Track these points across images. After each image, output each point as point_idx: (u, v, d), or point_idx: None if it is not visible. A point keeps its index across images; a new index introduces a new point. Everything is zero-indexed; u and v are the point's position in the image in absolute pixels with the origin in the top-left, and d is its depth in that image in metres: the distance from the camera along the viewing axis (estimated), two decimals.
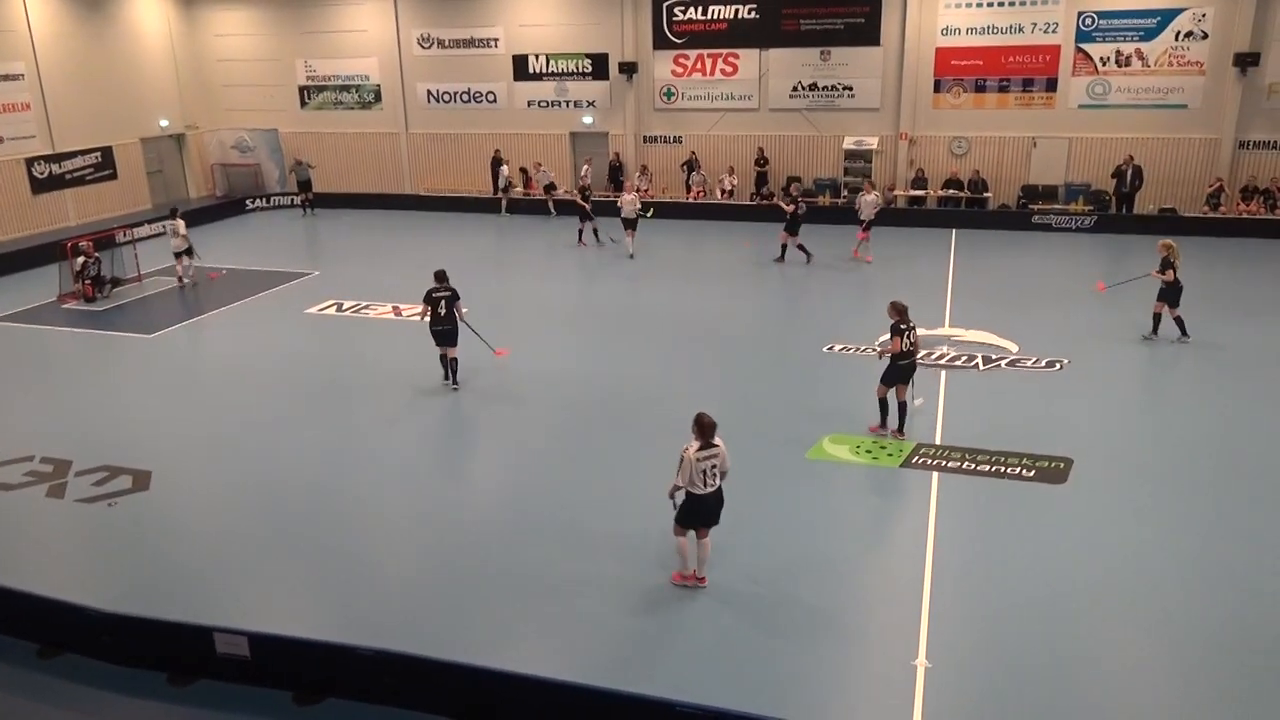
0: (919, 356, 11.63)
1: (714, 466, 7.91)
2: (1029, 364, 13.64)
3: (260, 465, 11.03)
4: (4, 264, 21.10)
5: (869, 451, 10.88)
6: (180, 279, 19.34)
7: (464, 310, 13.06)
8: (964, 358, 13.89)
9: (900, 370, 10.93)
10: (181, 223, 19.33)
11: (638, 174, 26.62)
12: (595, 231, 22.29)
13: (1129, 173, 22.70)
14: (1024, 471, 10.27)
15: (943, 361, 13.76)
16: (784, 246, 19.89)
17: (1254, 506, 9.52)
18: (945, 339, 14.75)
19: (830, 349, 14.47)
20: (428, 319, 12.92)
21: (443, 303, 12.79)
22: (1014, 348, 14.27)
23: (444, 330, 12.91)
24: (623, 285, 19.11)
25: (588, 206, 22.09)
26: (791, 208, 19.66)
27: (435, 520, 9.70)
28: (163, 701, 7.29)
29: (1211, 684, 6.99)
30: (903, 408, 11.11)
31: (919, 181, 24.77)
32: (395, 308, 17.35)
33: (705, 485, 7.92)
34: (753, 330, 16.18)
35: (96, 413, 12.78)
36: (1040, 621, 7.68)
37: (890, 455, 10.75)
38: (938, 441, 11.08)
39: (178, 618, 7.64)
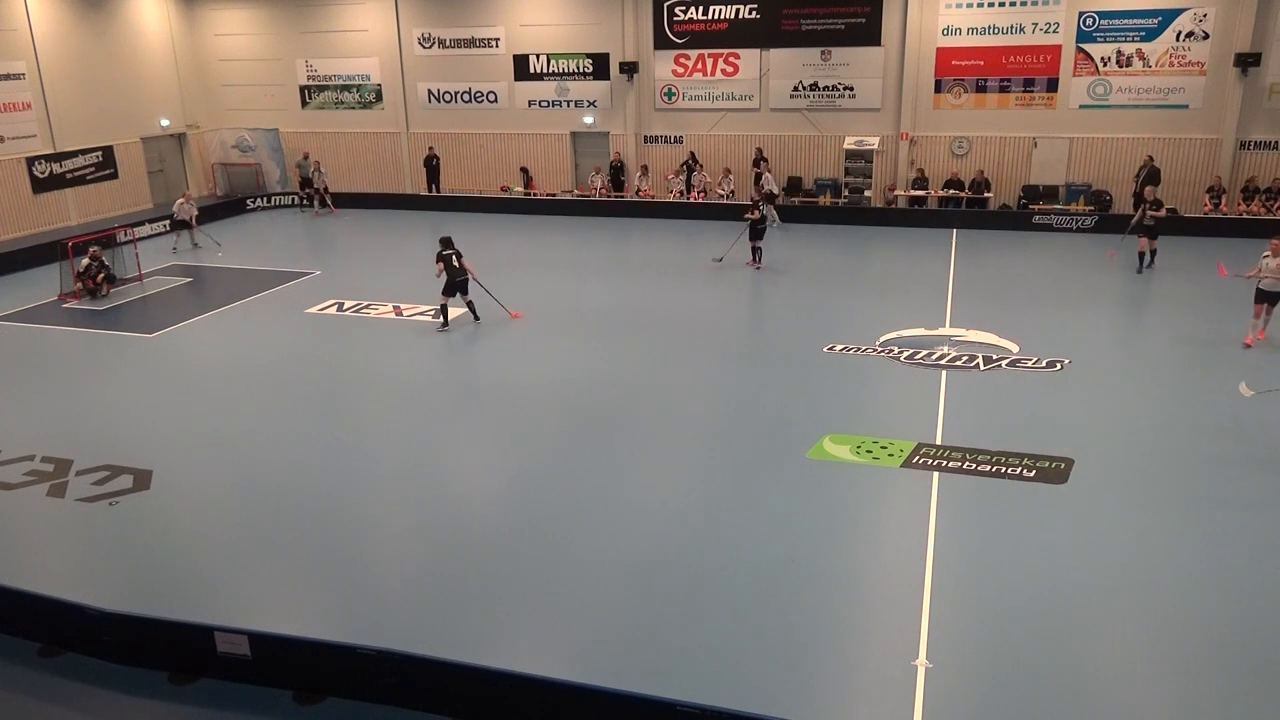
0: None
1: None
2: (1029, 364, 13.63)
3: (261, 465, 11.04)
4: (4, 263, 21.11)
5: (869, 451, 10.88)
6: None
7: (470, 267, 15.89)
8: (965, 358, 13.88)
9: None
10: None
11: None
12: (757, 252, 19.88)
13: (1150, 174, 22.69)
14: (1024, 471, 10.27)
15: (943, 362, 13.76)
16: (1141, 255, 18.89)
17: (1255, 506, 9.50)
18: (946, 339, 14.76)
19: (830, 349, 14.47)
20: (444, 274, 15.67)
21: (454, 258, 15.69)
22: (1014, 348, 14.26)
23: (461, 280, 15.77)
24: (617, 286, 19.09)
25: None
26: (1163, 212, 18.91)
27: (436, 520, 9.70)
28: (163, 700, 7.30)
29: (1212, 684, 6.98)
30: None
31: (920, 182, 24.78)
32: (396, 308, 17.34)
33: None
34: (752, 330, 16.17)
35: (97, 412, 12.78)
36: (1041, 622, 7.68)
37: (891, 455, 10.75)
38: (938, 441, 11.08)
39: (178, 617, 7.66)
